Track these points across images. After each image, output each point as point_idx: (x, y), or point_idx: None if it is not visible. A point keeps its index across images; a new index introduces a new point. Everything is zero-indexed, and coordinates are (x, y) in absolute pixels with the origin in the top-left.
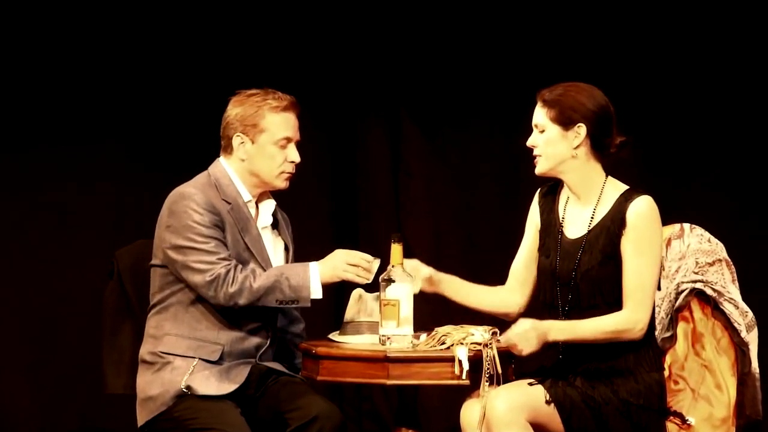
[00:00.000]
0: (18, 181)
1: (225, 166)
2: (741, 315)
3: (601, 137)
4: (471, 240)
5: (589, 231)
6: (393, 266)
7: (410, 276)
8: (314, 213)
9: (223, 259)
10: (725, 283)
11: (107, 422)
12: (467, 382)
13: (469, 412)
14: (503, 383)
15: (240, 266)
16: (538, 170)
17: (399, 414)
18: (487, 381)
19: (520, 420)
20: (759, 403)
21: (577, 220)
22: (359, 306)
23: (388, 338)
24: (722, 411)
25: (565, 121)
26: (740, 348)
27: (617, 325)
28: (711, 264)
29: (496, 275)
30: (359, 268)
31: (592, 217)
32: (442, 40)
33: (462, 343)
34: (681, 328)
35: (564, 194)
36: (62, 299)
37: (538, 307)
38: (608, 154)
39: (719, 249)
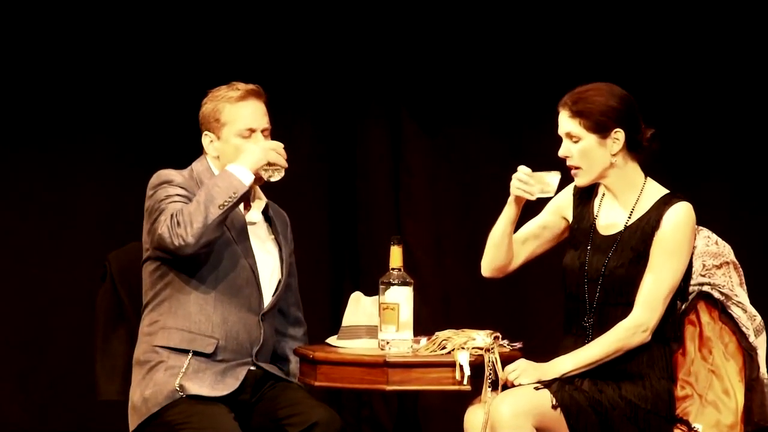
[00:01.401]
0: (7, 183)
1: (209, 162)
2: (749, 319)
3: (634, 135)
4: (472, 241)
5: (624, 229)
6: (392, 269)
7: (410, 278)
8: (312, 213)
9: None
10: (733, 286)
11: (100, 429)
12: (469, 387)
13: (473, 418)
14: (505, 389)
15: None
16: (579, 183)
17: (399, 421)
18: (489, 386)
19: (527, 425)
20: (767, 408)
21: (612, 217)
22: (358, 310)
23: (388, 343)
24: (730, 417)
25: (602, 129)
26: (748, 353)
27: (623, 337)
28: (718, 267)
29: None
30: (275, 152)
31: (629, 216)
32: (442, 36)
33: (463, 348)
34: (688, 332)
35: (600, 190)
36: (53, 303)
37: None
38: (642, 151)
39: (727, 251)
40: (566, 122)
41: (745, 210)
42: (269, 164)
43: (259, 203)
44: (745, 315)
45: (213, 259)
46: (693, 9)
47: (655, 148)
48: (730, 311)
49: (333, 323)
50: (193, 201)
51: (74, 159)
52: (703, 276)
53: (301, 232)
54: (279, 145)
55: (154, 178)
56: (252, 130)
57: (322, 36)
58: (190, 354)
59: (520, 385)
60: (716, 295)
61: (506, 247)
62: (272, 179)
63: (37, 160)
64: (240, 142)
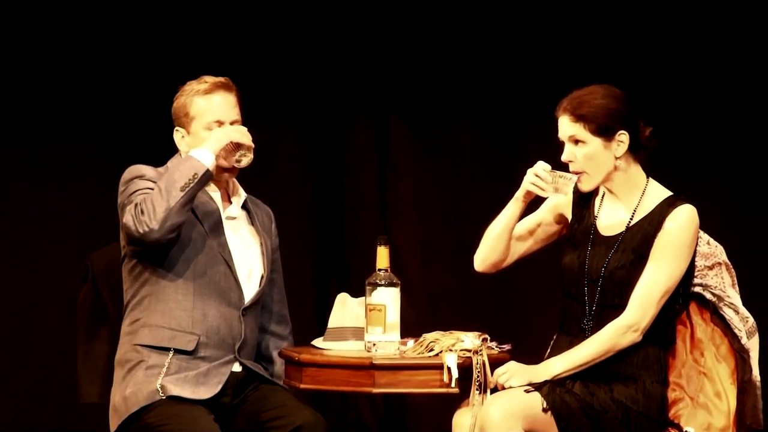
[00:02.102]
0: None
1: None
2: (741, 320)
3: (636, 136)
4: (460, 241)
5: (626, 230)
6: (379, 270)
7: (397, 279)
8: (297, 213)
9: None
10: (725, 287)
11: (81, 430)
12: (456, 390)
13: (461, 420)
14: (494, 391)
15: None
16: (585, 188)
17: (385, 423)
18: (477, 389)
19: (516, 428)
20: (760, 411)
21: (613, 217)
22: (344, 311)
23: (374, 345)
24: (721, 420)
25: (606, 132)
26: (740, 355)
27: (615, 338)
28: (710, 267)
29: (486, 278)
30: (238, 132)
31: (631, 217)
32: (430, 34)
33: (451, 350)
34: (679, 333)
35: (601, 190)
36: (35, 304)
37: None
38: (644, 151)
39: (719, 252)
40: (569, 127)
41: (738, 210)
42: (236, 147)
43: (238, 198)
44: (738, 316)
45: (188, 254)
46: (687, 9)
47: (654, 146)
48: (722, 312)
49: (319, 325)
50: (155, 188)
51: (56, 159)
52: (695, 277)
53: (286, 232)
54: (243, 128)
55: (126, 174)
56: (220, 123)
57: (308, 35)
58: (171, 352)
59: (510, 387)
60: (708, 296)
61: (505, 243)
62: (241, 164)
63: (18, 159)
64: (209, 135)
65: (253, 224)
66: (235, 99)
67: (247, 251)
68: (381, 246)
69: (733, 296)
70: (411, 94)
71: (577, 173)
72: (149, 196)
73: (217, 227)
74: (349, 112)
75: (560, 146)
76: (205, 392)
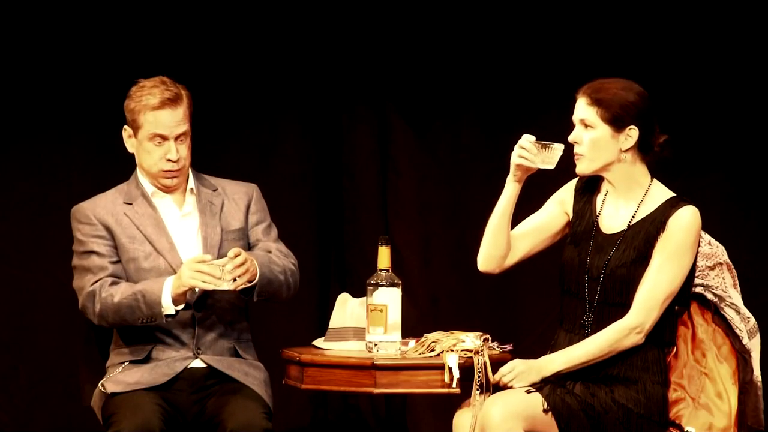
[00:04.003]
0: None
1: (137, 171)
2: (743, 321)
3: (647, 136)
4: (461, 241)
5: (628, 228)
6: (380, 270)
7: (398, 280)
8: (297, 214)
9: (97, 276)
10: (726, 287)
11: (81, 431)
12: (457, 390)
13: (462, 421)
14: (494, 392)
15: (111, 281)
16: (580, 170)
17: (386, 424)
18: (478, 389)
19: (517, 428)
20: (761, 412)
21: (615, 215)
22: (345, 311)
23: (375, 345)
24: (723, 420)
25: (618, 122)
26: (741, 355)
27: (618, 337)
28: (711, 268)
29: (487, 278)
30: (203, 273)
31: (633, 216)
32: (430, 33)
33: (452, 350)
34: (680, 334)
35: (604, 188)
36: (35, 304)
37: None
38: (652, 154)
39: (720, 252)
40: (583, 109)
41: (739, 210)
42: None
43: (190, 196)
44: (739, 317)
45: (134, 266)
46: (686, 7)
47: (666, 155)
48: (723, 313)
49: (320, 325)
50: (125, 292)
51: (56, 158)
52: (696, 277)
53: (286, 232)
54: (202, 271)
55: (72, 217)
56: (164, 137)
57: (308, 34)
58: (126, 363)
59: (512, 387)
60: (709, 296)
61: (505, 233)
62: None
63: (18, 159)
64: (151, 147)
65: (212, 212)
66: (183, 111)
67: (197, 247)
68: (382, 246)
69: (735, 296)
70: (411, 94)
71: (577, 156)
72: (110, 297)
73: (159, 232)
74: (350, 112)
75: (571, 127)
76: (150, 381)
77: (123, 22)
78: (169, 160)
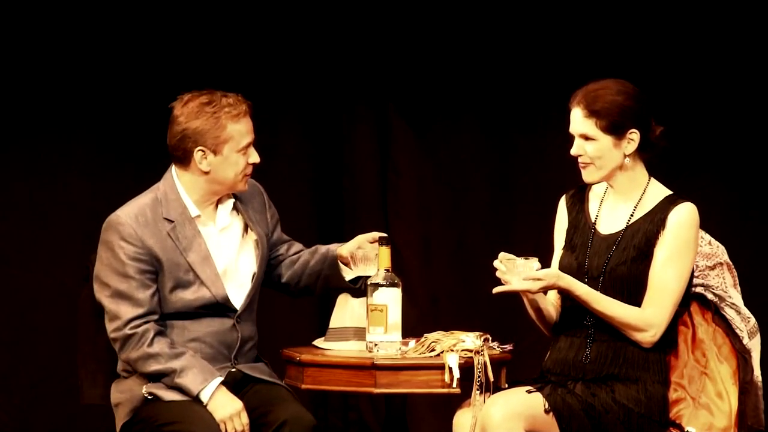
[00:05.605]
0: None
1: (175, 180)
2: (743, 321)
3: (646, 135)
4: (461, 242)
5: (626, 228)
6: (380, 270)
7: (398, 280)
8: (297, 213)
9: (136, 310)
10: (726, 287)
11: (82, 431)
12: (458, 390)
13: (462, 421)
14: (495, 391)
15: (155, 330)
16: (589, 179)
17: (387, 424)
18: (478, 389)
19: (518, 428)
20: (761, 412)
21: (613, 216)
22: (345, 311)
23: (376, 345)
24: (723, 420)
25: (618, 130)
26: (742, 355)
27: (634, 320)
28: (711, 268)
29: (485, 278)
30: (232, 424)
31: (631, 215)
32: (431, 33)
33: (452, 350)
34: (681, 334)
35: (597, 191)
36: (35, 304)
37: None
38: (651, 150)
39: (720, 252)
40: (581, 123)
41: (739, 209)
42: None
43: (227, 204)
44: (739, 317)
45: (177, 292)
46: (686, 7)
47: (663, 146)
48: (723, 313)
49: (320, 325)
50: (155, 367)
51: (56, 158)
52: (696, 277)
53: (287, 231)
54: (237, 417)
55: (107, 224)
56: (250, 144)
57: (309, 35)
58: None
59: (509, 285)
60: (709, 296)
61: (546, 314)
62: None
63: (18, 160)
64: (239, 158)
65: (247, 226)
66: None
67: (242, 257)
68: (382, 246)
69: (735, 296)
70: (412, 94)
71: (584, 164)
72: (150, 360)
73: (203, 259)
74: (350, 112)
75: (570, 140)
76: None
77: (123, 22)
78: (252, 163)
